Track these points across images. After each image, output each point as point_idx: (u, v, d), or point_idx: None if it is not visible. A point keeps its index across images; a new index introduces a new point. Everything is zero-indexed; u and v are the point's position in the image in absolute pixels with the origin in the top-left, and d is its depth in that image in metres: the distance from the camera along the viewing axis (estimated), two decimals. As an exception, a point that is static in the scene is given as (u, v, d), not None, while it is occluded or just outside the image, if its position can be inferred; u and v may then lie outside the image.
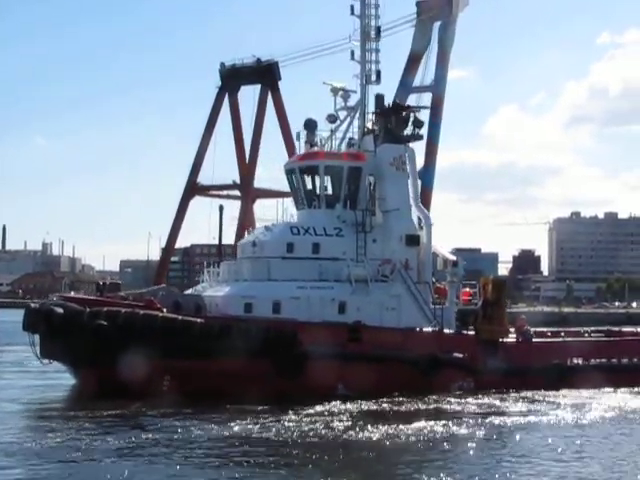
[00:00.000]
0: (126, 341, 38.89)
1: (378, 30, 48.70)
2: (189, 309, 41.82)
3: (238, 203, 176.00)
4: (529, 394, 43.14)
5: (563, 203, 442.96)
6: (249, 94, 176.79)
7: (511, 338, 46.84)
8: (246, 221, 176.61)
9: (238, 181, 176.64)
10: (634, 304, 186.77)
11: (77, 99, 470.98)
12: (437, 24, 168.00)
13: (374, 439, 31.74)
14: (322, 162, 46.18)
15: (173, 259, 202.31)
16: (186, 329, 39.80)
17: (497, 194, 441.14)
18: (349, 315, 43.49)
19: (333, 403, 38.58)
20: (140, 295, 44.34)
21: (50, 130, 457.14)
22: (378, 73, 48.51)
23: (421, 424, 34.14)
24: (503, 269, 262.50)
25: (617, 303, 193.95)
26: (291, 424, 33.73)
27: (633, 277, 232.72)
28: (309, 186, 47.23)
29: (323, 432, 32.51)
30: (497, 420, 36.13)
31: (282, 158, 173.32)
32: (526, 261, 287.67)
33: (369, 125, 48.65)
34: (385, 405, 39.27)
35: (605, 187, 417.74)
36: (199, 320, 40.45)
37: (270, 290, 43.12)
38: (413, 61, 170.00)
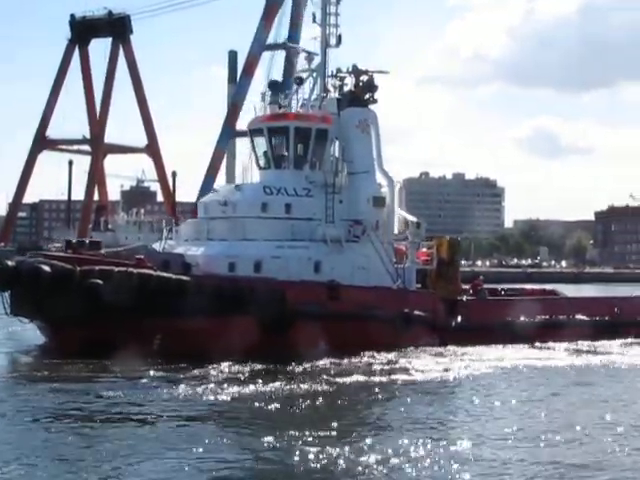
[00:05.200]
0: (121, 300, 38.67)
1: (339, -6, 49.45)
2: (177, 268, 41.72)
3: (88, 158, 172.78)
4: (485, 349, 45.60)
5: (413, 163, 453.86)
6: (100, 47, 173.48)
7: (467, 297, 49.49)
8: (96, 176, 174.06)
9: (88, 136, 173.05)
10: (479, 262, 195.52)
11: None
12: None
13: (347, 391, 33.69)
14: (292, 123, 46.71)
15: (21, 215, 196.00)
16: (180, 288, 39.85)
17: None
18: (323, 274, 44.55)
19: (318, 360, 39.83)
20: (117, 253, 43.80)
21: None
22: (339, 37, 49.34)
23: (391, 377, 36.58)
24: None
25: (463, 262, 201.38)
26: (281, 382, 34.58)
27: (479, 237, 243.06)
28: (275, 146, 47.76)
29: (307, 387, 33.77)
30: (460, 373, 38.37)
31: (134, 113, 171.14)
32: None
33: (330, 88, 49.55)
34: (364, 360, 40.90)
35: (453, 148, 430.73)
36: (193, 279, 40.55)
37: (251, 249, 43.58)
38: (267, 18, 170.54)
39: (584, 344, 48.29)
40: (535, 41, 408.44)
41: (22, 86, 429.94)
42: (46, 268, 39.76)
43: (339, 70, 50.21)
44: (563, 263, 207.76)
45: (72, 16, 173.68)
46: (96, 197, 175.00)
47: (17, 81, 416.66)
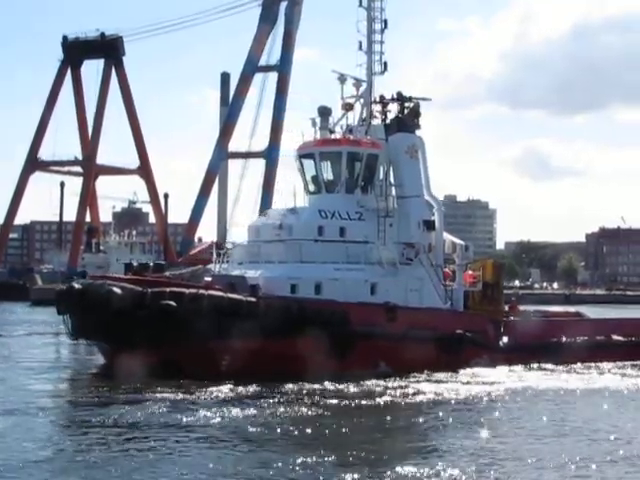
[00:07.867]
0: (193, 322, 39.42)
1: (385, 22, 50.54)
2: (244, 290, 42.42)
3: (80, 179, 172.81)
4: (532, 366, 47.25)
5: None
6: (93, 69, 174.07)
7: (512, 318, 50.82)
8: (88, 198, 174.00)
9: (80, 157, 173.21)
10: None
11: None
12: (284, 4, 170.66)
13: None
14: (345, 148, 47.73)
15: (12, 236, 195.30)
16: (251, 309, 40.63)
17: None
18: (379, 296, 45.48)
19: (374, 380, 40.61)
20: (180, 275, 44.43)
21: None
22: (385, 64, 50.41)
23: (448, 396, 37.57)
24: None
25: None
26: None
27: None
28: (326, 171, 48.71)
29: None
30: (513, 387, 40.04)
31: (126, 134, 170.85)
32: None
33: (376, 114, 50.67)
34: (417, 380, 41.61)
35: (444, 170, 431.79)
36: (263, 301, 41.32)
37: (311, 271, 44.42)
38: (259, 40, 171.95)
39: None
40: (527, 63, 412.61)
41: (14, 107, 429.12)
42: (117, 290, 40.38)
43: (383, 97, 51.34)
44: (555, 285, 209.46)
45: (64, 37, 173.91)
46: (88, 218, 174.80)
47: (8, 101, 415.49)
